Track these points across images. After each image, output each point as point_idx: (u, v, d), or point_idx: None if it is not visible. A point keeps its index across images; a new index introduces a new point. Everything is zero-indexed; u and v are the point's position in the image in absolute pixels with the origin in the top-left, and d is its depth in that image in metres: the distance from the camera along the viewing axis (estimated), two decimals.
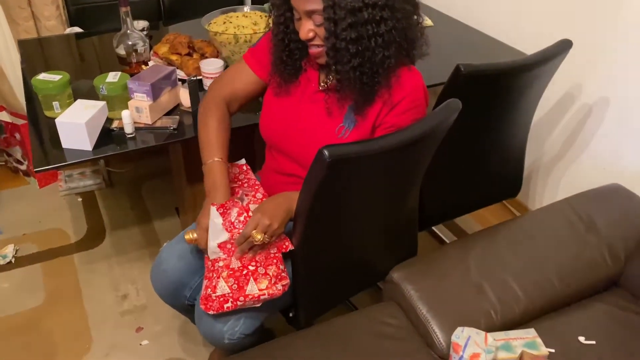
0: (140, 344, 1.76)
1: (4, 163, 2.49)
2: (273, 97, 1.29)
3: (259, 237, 1.11)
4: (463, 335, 1.20)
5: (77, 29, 2.20)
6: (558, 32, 1.92)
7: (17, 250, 2.09)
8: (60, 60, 1.84)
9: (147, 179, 2.52)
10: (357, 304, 1.83)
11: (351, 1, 1.01)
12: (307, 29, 1.09)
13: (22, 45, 1.92)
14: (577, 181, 2.00)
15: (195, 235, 1.21)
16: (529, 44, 1.93)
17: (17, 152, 2.41)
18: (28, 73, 1.69)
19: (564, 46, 1.38)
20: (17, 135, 2.35)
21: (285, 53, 1.19)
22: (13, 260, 2.04)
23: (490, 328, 1.29)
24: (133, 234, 2.20)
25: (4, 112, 2.37)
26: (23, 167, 2.44)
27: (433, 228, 2.23)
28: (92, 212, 2.32)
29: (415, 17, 1.12)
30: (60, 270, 2.02)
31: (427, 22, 2.21)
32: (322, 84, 1.22)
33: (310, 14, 1.07)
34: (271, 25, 1.22)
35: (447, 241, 2.19)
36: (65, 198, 2.38)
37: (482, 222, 2.26)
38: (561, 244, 1.49)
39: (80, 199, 2.38)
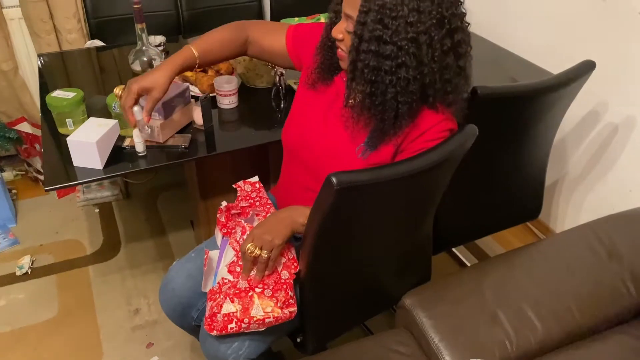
0: None
1: (24, 173, 2.53)
2: (302, 103, 1.28)
3: (254, 250, 1.10)
4: None
5: (98, 42, 2.23)
6: (582, 48, 1.86)
7: (33, 261, 2.11)
8: (78, 75, 1.86)
9: (164, 190, 2.53)
10: (373, 327, 1.80)
11: (380, 30, 0.99)
12: (340, 28, 1.09)
13: (42, 58, 1.94)
14: (602, 202, 1.94)
15: (119, 91, 1.26)
16: (550, 60, 1.87)
17: (37, 163, 2.44)
18: (46, 87, 1.70)
19: (587, 68, 1.33)
20: (37, 146, 2.38)
21: (327, 45, 1.19)
22: (29, 272, 2.06)
23: (504, 359, 1.24)
24: (147, 246, 2.21)
25: (25, 123, 2.41)
26: (42, 177, 2.47)
27: (453, 249, 2.19)
28: (109, 223, 2.33)
29: (455, 81, 1.06)
30: (75, 282, 2.03)
31: None
32: (349, 101, 1.19)
33: (347, 17, 1.05)
34: None
35: (467, 263, 2.14)
36: (83, 209, 2.40)
37: (504, 244, 2.20)
38: (581, 271, 1.43)
39: (97, 210, 2.40)
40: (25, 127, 2.40)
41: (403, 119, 1.07)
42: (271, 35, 1.34)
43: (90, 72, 1.91)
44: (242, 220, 1.26)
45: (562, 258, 1.47)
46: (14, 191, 2.44)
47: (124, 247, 2.20)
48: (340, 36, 1.09)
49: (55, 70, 1.88)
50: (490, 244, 2.22)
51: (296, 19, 1.96)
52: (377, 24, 0.99)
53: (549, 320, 1.32)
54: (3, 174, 2.48)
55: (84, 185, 2.43)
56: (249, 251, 1.10)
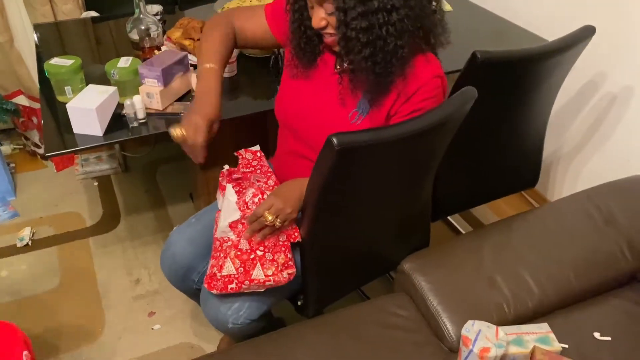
0: (152, 328, 1.77)
1: (22, 147, 2.52)
2: (289, 78, 1.27)
3: (270, 217, 1.10)
4: (473, 329, 1.17)
5: (93, 13, 2.20)
6: (582, 18, 1.85)
7: (33, 233, 2.11)
8: (75, 45, 1.84)
9: (163, 163, 2.53)
10: (369, 292, 1.82)
11: None
12: (319, 17, 1.07)
13: (38, 29, 1.92)
14: (599, 172, 1.94)
15: (183, 131, 1.13)
16: (552, 31, 1.87)
17: (35, 136, 2.43)
18: (43, 57, 1.69)
19: (587, 33, 1.33)
20: (35, 119, 2.37)
21: (303, 40, 1.17)
22: (30, 243, 2.07)
23: (502, 322, 1.26)
24: (147, 218, 2.22)
25: (21, 96, 2.39)
26: (40, 151, 2.46)
27: (448, 218, 2.20)
28: (108, 196, 2.33)
29: (434, 3, 1.09)
30: (75, 253, 2.05)
31: (446, 7, 2.16)
32: (337, 67, 1.20)
33: (321, 2, 1.05)
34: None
35: (463, 231, 2.16)
36: (82, 182, 2.40)
37: (499, 213, 2.22)
38: (578, 237, 1.45)
39: (96, 183, 2.40)
40: (22, 100, 2.38)
41: (404, 64, 1.07)
42: (252, 20, 1.30)
43: (87, 42, 1.89)
44: (256, 183, 1.26)
45: (559, 224, 1.49)
46: (12, 165, 2.43)
47: (123, 219, 2.21)
48: (323, 23, 1.07)
49: (52, 40, 1.87)
50: (486, 212, 2.24)
51: None
52: None
53: (546, 284, 1.34)
54: (1, 147, 2.47)
55: (83, 158, 2.43)
56: (266, 218, 1.10)
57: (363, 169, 1.04)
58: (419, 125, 1.02)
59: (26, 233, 2.09)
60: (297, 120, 1.25)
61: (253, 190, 1.17)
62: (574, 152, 2.03)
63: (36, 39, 1.83)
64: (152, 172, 2.48)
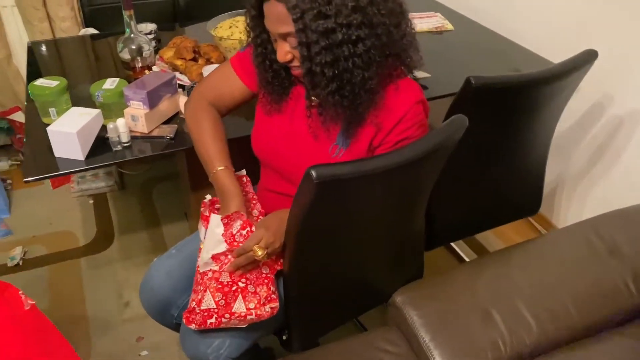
0: (140, 355, 1.72)
1: (19, 163, 2.51)
2: (263, 116, 1.22)
3: (260, 252, 1.05)
4: None
5: (92, 30, 2.19)
6: (587, 39, 1.80)
7: (25, 252, 2.08)
8: (68, 63, 1.82)
9: (159, 182, 2.50)
10: (368, 322, 1.76)
11: (323, 23, 0.93)
12: (283, 51, 1.02)
13: (33, 47, 1.90)
14: (606, 198, 1.88)
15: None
16: (556, 52, 1.81)
17: None
18: (35, 76, 1.66)
19: (588, 57, 1.27)
20: None
21: (270, 74, 1.13)
22: (21, 263, 2.04)
23: None
24: (141, 238, 2.18)
25: (19, 113, 2.38)
26: None
27: (452, 244, 2.14)
28: (103, 214, 2.30)
29: (404, 26, 1.03)
30: (66, 274, 2.01)
31: (448, 26, 2.11)
32: (312, 99, 1.14)
33: (284, 36, 1.00)
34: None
35: (466, 258, 2.09)
36: (78, 199, 2.38)
37: (504, 239, 2.15)
38: (580, 269, 1.38)
39: (91, 201, 2.37)
40: (19, 117, 2.37)
41: (374, 94, 1.03)
42: (224, 85, 1.25)
43: (81, 60, 1.87)
44: (245, 215, 1.21)
45: (561, 255, 1.42)
46: (9, 181, 2.42)
47: (117, 238, 2.18)
48: (289, 57, 1.03)
49: (45, 58, 1.85)
50: (491, 239, 2.17)
51: None
52: (318, 19, 0.93)
53: (545, 319, 1.27)
54: None
55: (79, 175, 2.41)
56: (255, 253, 1.05)
57: (345, 202, 0.99)
58: (403, 157, 0.96)
59: (17, 252, 2.06)
60: (276, 158, 1.21)
61: (240, 222, 1.12)
62: (581, 175, 1.96)
63: (27, 58, 1.80)
64: (149, 190, 2.45)
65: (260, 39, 1.08)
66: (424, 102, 1.09)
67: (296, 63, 1.04)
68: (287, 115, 1.18)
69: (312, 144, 1.13)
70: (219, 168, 1.16)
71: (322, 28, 0.93)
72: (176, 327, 1.31)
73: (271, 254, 1.08)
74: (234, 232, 1.13)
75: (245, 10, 1.10)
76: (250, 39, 1.12)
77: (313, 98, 1.10)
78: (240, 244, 1.09)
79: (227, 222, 1.13)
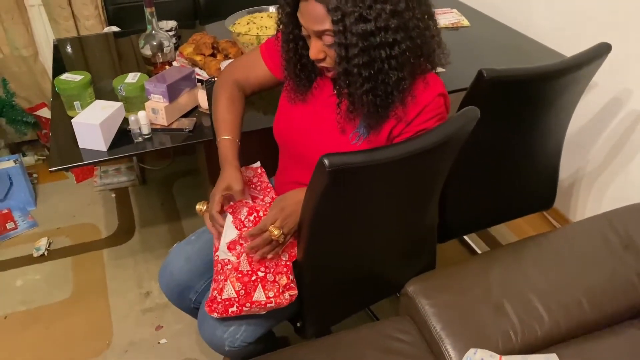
0: (159, 343, 1.77)
1: (45, 158, 2.58)
2: (287, 102, 1.26)
3: (276, 232, 1.07)
4: (475, 357, 1.13)
5: (115, 28, 2.24)
6: (604, 33, 1.79)
7: (50, 243, 2.15)
8: (92, 60, 1.88)
9: (180, 177, 2.55)
10: (379, 312, 1.78)
11: (363, 26, 0.95)
12: (317, 49, 1.04)
13: (59, 44, 1.97)
14: (623, 193, 1.86)
15: (205, 206, 1.19)
16: (570, 46, 1.81)
17: None
18: (60, 72, 1.72)
19: (601, 51, 1.27)
20: None
21: (298, 68, 1.15)
22: (46, 253, 2.11)
23: (508, 351, 1.21)
24: (161, 231, 2.23)
25: (45, 109, 2.45)
26: None
27: (465, 237, 2.14)
28: (124, 208, 2.36)
29: (433, 27, 1.06)
30: (89, 264, 2.07)
31: (464, 22, 2.12)
32: (335, 91, 1.18)
33: (319, 34, 1.02)
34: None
35: (479, 251, 2.10)
36: (100, 193, 2.44)
37: (518, 232, 2.15)
38: (594, 263, 1.38)
39: (113, 195, 2.43)
40: (45, 113, 2.44)
41: (405, 93, 1.05)
42: (253, 68, 1.29)
43: (105, 57, 1.93)
44: (250, 201, 1.25)
45: (574, 249, 1.42)
46: (34, 175, 2.49)
47: (138, 231, 2.23)
48: (322, 55, 1.05)
49: (70, 55, 1.91)
50: (504, 232, 2.17)
51: None
52: (359, 23, 0.95)
53: (557, 312, 1.28)
54: (25, 158, 2.53)
55: (102, 170, 2.47)
56: (271, 232, 1.07)
57: (357, 191, 1.01)
58: (415, 147, 0.98)
59: (43, 243, 2.13)
60: (298, 145, 1.23)
61: (247, 208, 1.16)
62: (597, 171, 1.95)
63: (53, 55, 1.86)
64: (170, 185, 2.50)
65: (293, 34, 1.10)
66: (446, 96, 1.11)
67: (328, 62, 1.06)
68: (310, 103, 1.21)
69: (333, 131, 1.16)
70: (223, 137, 1.22)
71: (362, 30, 0.96)
72: (193, 311, 1.35)
73: (287, 233, 1.10)
74: (242, 218, 1.16)
75: (277, 6, 1.12)
76: (280, 33, 1.14)
77: (342, 90, 1.12)
78: (250, 229, 1.12)
79: (233, 211, 1.17)
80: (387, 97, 1.04)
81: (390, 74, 1.01)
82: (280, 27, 1.13)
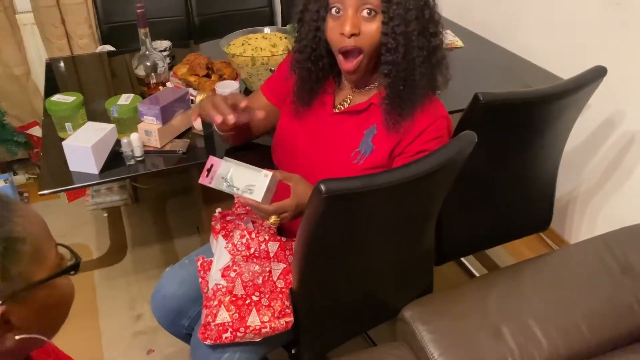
0: None
1: (35, 176, 2.55)
2: (286, 123, 1.25)
3: (272, 220, 1.06)
4: None
5: (109, 47, 2.23)
6: (598, 55, 1.80)
7: None
8: (85, 80, 1.86)
9: (173, 196, 2.52)
10: (378, 337, 1.75)
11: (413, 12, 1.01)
12: (354, 23, 1.00)
13: (52, 63, 1.95)
14: (618, 214, 1.86)
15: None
16: (565, 68, 1.81)
17: None
18: (52, 91, 1.70)
19: (597, 74, 1.27)
20: None
21: (313, 56, 1.12)
22: None
23: None
24: (154, 251, 2.20)
25: (37, 127, 2.43)
26: None
27: (462, 259, 2.13)
28: (116, 227, 2.33)
29: (444, 50, 1.09)
30: (79, 285, 1.98)
31: (458, 42, 2.13)
32: (338, 107, 1.17)
33: (359, 9, 1.00)
34: (291, 46, 1.18)
35: (476, 273, 2.08)
36: (92, 213, 2.41)
37: (515, 254, 2.14)
38: (592, 287, 1.37)
39: (105, 214, 2.40)
40: (37, 131, 2.42)
41: (414, 104, 1.08)
42: (251, 103, 1.27)
43: (98, 76, 1.91)
44: (242, 223, 1.23)
45: (572, 272, 1.41)
46: (25, 194, 2.46)
47: (130, 251, 2.20)
48: (356, 30, 1.01)
49: (63, 74, 1.89)
50: (501, 254, 2.15)
51: None
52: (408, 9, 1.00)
53: (556, 337, 1.26)
54: (15, 177, 2.50)
55: (94, 189, 2.44)
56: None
57: (354, 216, 1.00)
58: (412, 172, 0.97)
59: None
60: (297, 166, 1.21)
61: (239, 231, 1.14)
62: (592, 191, 1.95)
63: (45, 74, 1.85)
64: (162, 204, 2.47)
65: (318, 15, 1.07)
66: (448, 119, 1.12)
67: (361, 40, 1.03)
68: (309, 125, 1.20)
69: (334, 150, 1.15)
70: None
71: (421, 3, 1.01)
72: (186, 337, 1.32)
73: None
74: (235, 242, 1.15)
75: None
76: (301, 22, 1.12)
77: (341, 104, 1.13)
78: (243, 253, 1.11)
79: (226, 233, 1.15)
80: (414, 90, 1.06)
81: (423, 67, 1.05)
82: (304, 12, 1.10)
